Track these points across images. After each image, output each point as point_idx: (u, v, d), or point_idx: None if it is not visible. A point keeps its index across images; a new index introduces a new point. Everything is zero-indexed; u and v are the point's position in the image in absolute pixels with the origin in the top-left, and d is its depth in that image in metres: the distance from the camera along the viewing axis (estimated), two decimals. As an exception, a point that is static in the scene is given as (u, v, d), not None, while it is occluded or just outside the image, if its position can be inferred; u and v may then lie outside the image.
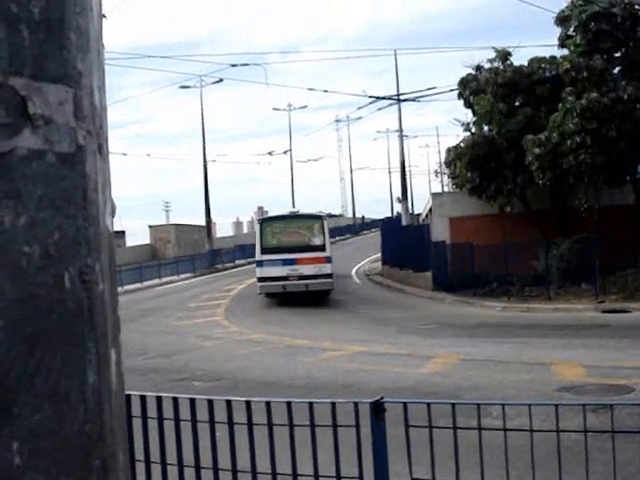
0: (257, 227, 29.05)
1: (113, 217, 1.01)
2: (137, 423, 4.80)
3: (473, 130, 28.33)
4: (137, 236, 61.49)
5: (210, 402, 4.72)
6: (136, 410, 4.82)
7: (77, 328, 0.85)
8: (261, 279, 27.31)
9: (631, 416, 6.06)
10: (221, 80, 44.20)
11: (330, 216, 36.85)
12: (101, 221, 0.92)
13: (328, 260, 27.39)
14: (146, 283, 38.87)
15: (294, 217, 28.84)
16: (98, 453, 0.87)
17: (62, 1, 0.88)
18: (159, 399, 4.85)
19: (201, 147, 49.79)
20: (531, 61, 27.60)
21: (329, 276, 27.20)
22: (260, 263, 27.47)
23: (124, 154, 59.15)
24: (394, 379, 13.16)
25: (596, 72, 24.24)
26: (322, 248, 27.38)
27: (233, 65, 35.26)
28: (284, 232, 27.88)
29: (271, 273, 26.88)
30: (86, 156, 0.88)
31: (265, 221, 29.29)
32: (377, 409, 4.45)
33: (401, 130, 42.10)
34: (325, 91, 42.62)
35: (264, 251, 27.32)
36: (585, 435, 4.29)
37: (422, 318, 22.13)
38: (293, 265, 26.93)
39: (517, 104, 27.42)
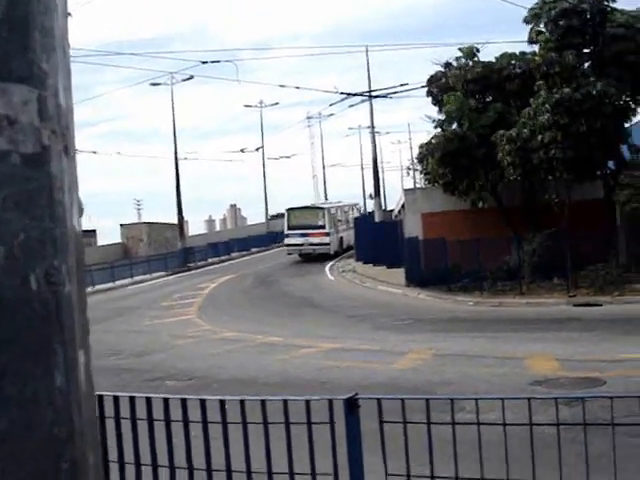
0: (285, 213, 46.33)
1: (80, 217, 1.00)
2: (110, 424, 4.77)
3: (444, 127, 28.41)
4: (108, 235, 60.85)
5: (184, 401, 4.70)
6: (109, 411, 4.79)
7: (44, 330, 0.84)
8: (287, 245, 44.65)
9: (603, 408, 6.12)
10: (192, 77, 43.88)
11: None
12: (68, 222, 0.90)
13: (327, 235, 43.70)
14: (118, 282, 38.56)
15: (307, 207, 46.97)
16: (67, 456, 0.87)
17: (26, 0, 0.87)
18: (132, 399, 4.82)
19: (172, 145, 49.47)
20: (501, 57, 27.68)
21: (328, 244, 43.45)
22: (287, 235, 44.60)
23: (94, 152, 58.51)
24: (368, 375, 13.20)
25: (568, 67, 24.42)
26: (323, 227, 43.85)
27: (204, 62, 34.96)
28: (301, 216, 44.46)
29: (293, 242, 43.95)
30: (51, 156, 0.87)
31: (290, 210, 46.10)
32: (351, 405, 4.46)
33: (373, 127, 42.26)
34: (297, 88, 42.46)
35: (289, 228, 44.27)
36: (558, 428, 4.33)
37: (395, 314, 22.20)
38: (306, 237, 43.34)
39: (487, 100, 27.55)
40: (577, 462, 4.67)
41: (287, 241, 44.71)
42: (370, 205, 58.20)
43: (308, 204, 49.43)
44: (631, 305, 20.90)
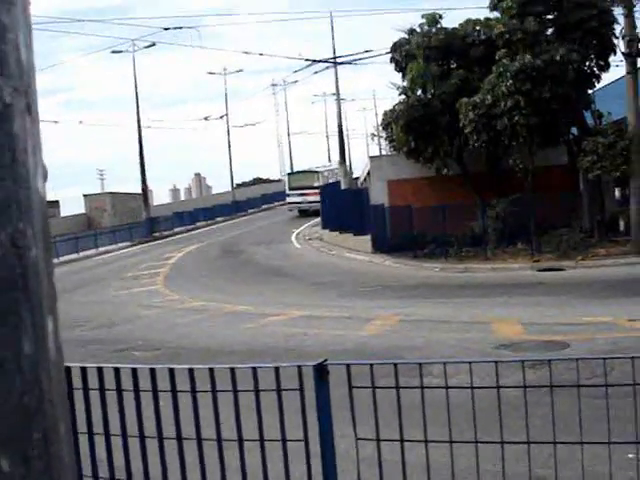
0: (286, 177, 58.58)
1: (45, 181, 0.97)
2: (78, 395, 4.73)
3: (408, 94, 28.34)
4: (71, 206, 60.04)
5: (152, 371, 4.67)
6: (77, 382, 4.74)
7: (10, 296, 0.81)
8: (289, 203, 55.44)
9: (567, 371, 6.21)
10: (154, 44, 43.35)
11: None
12: (32, 184, 0.87)
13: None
14: (83, 253, 38.21)
15: (304, 172, 56.72)
16: (38, 425, 0.84)
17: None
18: (100, 370, 4.78)
19: (135, 113, 48.83)
20: (464, 23, 27.62)
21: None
22: (288, 195, 55.33)
23: (55, 122, 57.69)
24: (336, 342, 13.26)
25: (530, 34, 24.45)
26: (318, 188, 47.99)
27: (166, 29, 34.52)
28: (299, 179, 54.32)
29: (293, 200, 54.44)
30: (14, 115, 0.83)
31: (290, 174, 58.84)
32: (321, 372, 4.47)
33: (338, 93, 42.05)
34: (261, 54, 42.44)
35: (290, 189, 54.71)
36: (524, 390, 4.38)
37: (362, 281, 22.30)
38: (304, 196, 52.71)
39: (451, 67, 27.51)
40: (543, 423, 4.74)
41: (288, 200, 55.43)
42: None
43: (306, 169, 59.10)
44: (593, 269, 21.21)
